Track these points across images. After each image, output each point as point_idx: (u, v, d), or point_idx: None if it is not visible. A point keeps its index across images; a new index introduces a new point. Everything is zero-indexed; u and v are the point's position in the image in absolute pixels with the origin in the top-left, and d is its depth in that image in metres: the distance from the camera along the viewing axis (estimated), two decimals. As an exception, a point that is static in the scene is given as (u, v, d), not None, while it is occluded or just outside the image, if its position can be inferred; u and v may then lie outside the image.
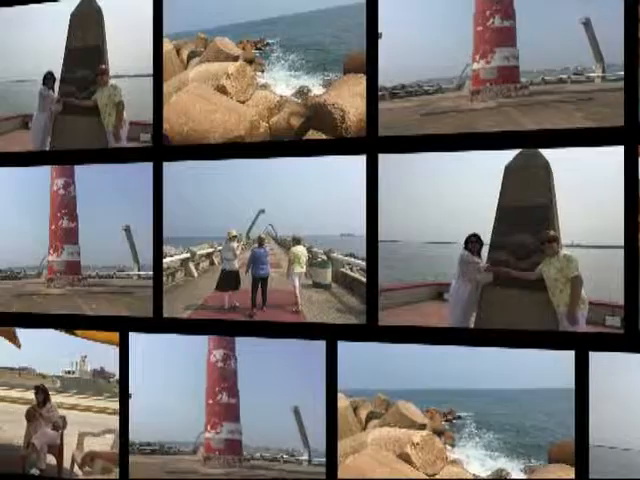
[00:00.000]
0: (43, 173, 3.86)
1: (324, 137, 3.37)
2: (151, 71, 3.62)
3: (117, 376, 3.68)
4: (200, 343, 3.62)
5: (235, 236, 3.58)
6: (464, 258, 3.17)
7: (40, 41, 3.85)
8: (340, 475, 3.33)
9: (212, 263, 3.73)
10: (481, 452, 3.20)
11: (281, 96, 3.48)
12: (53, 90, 3.83)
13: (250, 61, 3.54)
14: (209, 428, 3.64)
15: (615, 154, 2.93)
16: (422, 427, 3.30)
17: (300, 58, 3.45)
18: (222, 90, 3.55)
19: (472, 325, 3.16)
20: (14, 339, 3.81)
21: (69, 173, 3.85)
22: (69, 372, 3.88)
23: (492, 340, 3.08)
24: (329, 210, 3.42)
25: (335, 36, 3.41)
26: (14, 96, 3.92)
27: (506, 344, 3.05)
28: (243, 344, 3.57)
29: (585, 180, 2.96)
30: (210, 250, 3.73)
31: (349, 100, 3.34)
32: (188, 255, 3.70)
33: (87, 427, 3.78)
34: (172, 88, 3.62)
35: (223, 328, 3.54)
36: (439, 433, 3.28)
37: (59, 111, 3.82)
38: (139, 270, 3.69)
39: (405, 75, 3.28)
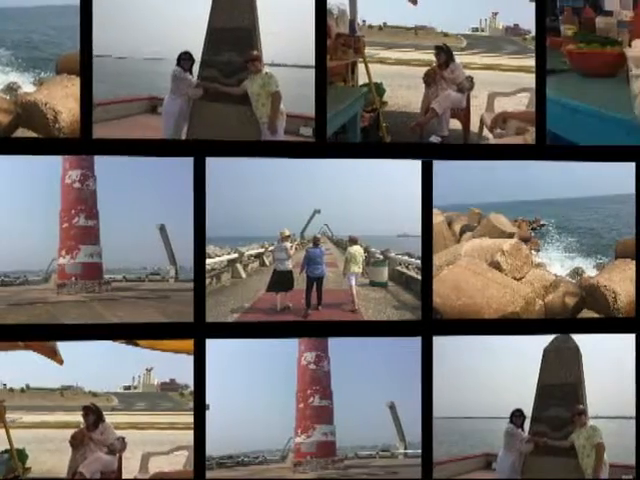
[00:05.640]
0: (50, 163, 3.35)
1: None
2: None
3: (191, 387, 3.30)
4: (282, 346, 3.44)
5: (288, 236, 3.48)
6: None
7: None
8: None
9: (263, 264, 3.57)
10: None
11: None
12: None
13: (525, 240, 3.63)
14: (299, 432, 3.53)
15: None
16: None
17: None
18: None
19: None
20: (54, 355, 3.23)
21: (87, 164, 3.42)
22: (129, 387, 3.43)
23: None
24: (385, 211, 3.50)
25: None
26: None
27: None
28: (335, 344, 3.49)
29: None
30: (260, 250, 3.57)
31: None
32: (236, 255, 3.51)
33: (152, 446, 3.39)
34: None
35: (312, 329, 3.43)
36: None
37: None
38: (176, 273, 3.41)
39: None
